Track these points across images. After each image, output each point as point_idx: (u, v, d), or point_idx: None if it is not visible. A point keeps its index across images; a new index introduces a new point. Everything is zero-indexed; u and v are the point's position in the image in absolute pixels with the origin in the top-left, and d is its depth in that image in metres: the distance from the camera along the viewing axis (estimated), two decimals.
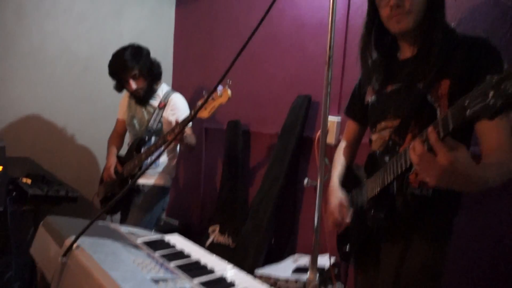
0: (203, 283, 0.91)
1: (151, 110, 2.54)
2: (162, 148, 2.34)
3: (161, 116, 2.51)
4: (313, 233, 1.30)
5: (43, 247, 1.13)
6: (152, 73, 2.48)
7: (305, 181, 2.33)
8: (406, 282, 1.28)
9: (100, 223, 1.32)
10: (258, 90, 2.79)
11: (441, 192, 1.24)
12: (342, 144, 1.67)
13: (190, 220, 3.38)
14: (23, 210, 2.44)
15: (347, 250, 1.49)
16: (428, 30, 1.21)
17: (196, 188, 3.33)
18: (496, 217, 1.67)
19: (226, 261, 1.11)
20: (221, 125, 3.03)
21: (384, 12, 1.25)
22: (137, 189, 2.53)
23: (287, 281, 1.95)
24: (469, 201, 1.61)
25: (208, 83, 3.20)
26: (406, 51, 1.33)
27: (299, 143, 2.44)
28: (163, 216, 3.39)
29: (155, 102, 2.55)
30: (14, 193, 2.39)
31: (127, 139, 2.72)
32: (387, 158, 1.28)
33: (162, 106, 2.52)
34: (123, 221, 2.63)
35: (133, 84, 2.42)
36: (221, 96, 2.00)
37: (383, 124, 1.37)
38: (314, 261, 1.28)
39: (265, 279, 1.99)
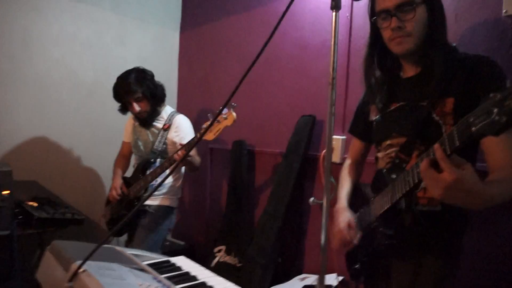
0: None
1: (156, 131, 2.56)
2: (168, 171, 2.34)
3: (166, 138, 2.53)
4: (320, 252, 1.29)
5: (49, 272, 1.12)
6: (156, 96, 2.51)
7: (311, 200, 2.34)
8: None
9: (106, 246, 1.31)
10: (262, 110, 2.81)
11: (450, 208, 1.23)
12: (348, 162, 1.67)
13: (195, 241, 3.36)
14: (29, 233, 2.43)
15: (357, 268, 1.48)
16: (430, 50, 1.23)
17: (202, 209, 3.33)
18: (505, 233, 1.65)
19: (233, 283, 1.09)
20: (226, 145, 3.04)
21: (386, 34, 1.27)
22: (143, 210, 2.53)
23: None
24: (478, 218, 1.59)
25: (212, 105, 3.24)
26: (409, 70, 1.34)
27: (304, 162, 2.44)
28: (169, 237, 3.38)
29: (159, 124, 2.57)
30: (21, 217, 2.39)
31: (133, 161, 2.74)
32: (394, 176, 1.28)
33: (167, 127, 2.54)
34: (129, 242, 2.62)
35: (136, 107, 2.45)
36: (226, 118, 2.02)
37: (388, 142, 1.38)
38: (321, 280, 1.26)
39: None
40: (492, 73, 1.16)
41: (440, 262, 1.27)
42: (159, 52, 3.52)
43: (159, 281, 1.03)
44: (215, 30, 3.24)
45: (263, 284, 2.35)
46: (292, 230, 2.53)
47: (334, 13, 1.13)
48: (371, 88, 1.40)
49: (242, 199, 2.82)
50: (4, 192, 2.16)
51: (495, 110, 0.75)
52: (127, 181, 2.59)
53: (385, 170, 1.34)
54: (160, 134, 2.54)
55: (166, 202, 2.57)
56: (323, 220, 1.28)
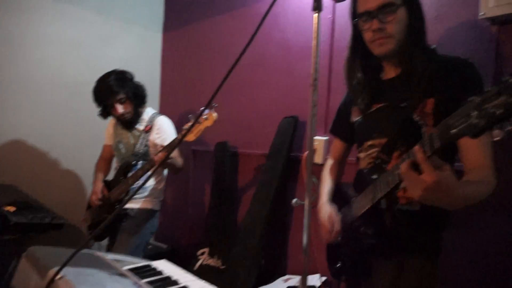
0: None
1: (137, 134, 2.53)
2: (149, 174, 2.31)
3: (147, 140, 2.50)
4: (303, 253, 1.29)
5: (26, 279, 1.09)
6: (138, 96, 2.48)
7: (294, 201, 2.33)
8: None
9: (85, 251, 1.28)
10: (245, 111, 2.80)
11: (429, 207, 1.25)
12: (329, 162, 1.69)
13: (178, 244, 3.33)
14: (7, 239, 2.37)
15: (338, 267, 1.49)
16: (410, 52, 1.25)
17: (184, 211, 3.29)
18: (484, 231, 1.68)
19: (215, 286, 1.08)
20: (209, 146, 3.02)
21: (367, 35, 1.28)
22: (125, 214, 2.49)
23: None
24: (458, 216, 1.62)
25: (195, 106, 3.21)
26: (390, 72, 1.36)
27: (287, 163, 2.44)
28: (152, 240, 3.34)
29: (140, 126, 2.54)
30: None
31: (115, 164, 2.69)
32: (375, 176, 1.29)
33: (148, 129, 2.51)
34: (111, 246, 2.58)
35: (120, 108, 2.41)
36: (207, 119, 2.01)
37: (370, 143, 1.39)
38: (304, 281, 1.26)
39: None
40: (471, 75, 1.19)
41: (420, 260, 1.29)
42: (142, 53, 3.48)
43: (139, 286, 1.01)
44: (198, 31, 3.22)
45: (246, 286, 2.34)
46: (275, 232, 2.53)
47: (316, 15, 1.13)
48: (353, 89, 1.41)
49: (225, 201, 2.80)
50: None
51: (474, 113, 0.77)
52: (108, 184, 2.55)
53: (366, 170, 1.36)
54: (141, 136, 2.50)
55: (148, 205, 2.54)
56: (305, 221, 1.29)
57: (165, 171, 2.66)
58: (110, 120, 2.66)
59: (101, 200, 2.46)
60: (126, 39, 3.35)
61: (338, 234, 1.41)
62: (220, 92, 0.99)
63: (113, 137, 2.64)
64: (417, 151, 0.94)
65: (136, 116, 2.51)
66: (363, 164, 1.42)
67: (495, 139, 0.73)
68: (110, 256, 1.27)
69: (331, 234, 1.42)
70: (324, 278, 2.08)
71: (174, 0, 3.51)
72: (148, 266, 1.23)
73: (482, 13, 1.60)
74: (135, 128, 2.54)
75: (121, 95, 2.39)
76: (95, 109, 2.51)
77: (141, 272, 1.14)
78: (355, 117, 1.47)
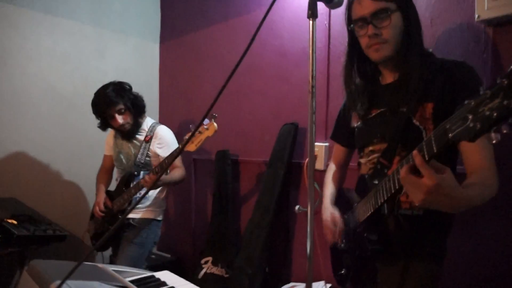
0: None
1: (138, 144, 2.53)
2: (149, 186, 2.30)
3: (148, 149, 2.50)
4: (307, 260, 1.29)
5: None
6: (137, 106, 2.49)
7: (296, 208, 2.34)
8: None
9: (87, 263, 1.28)
10: (245, 119, 2.81)
11: (432, 211, 1.25)
12: (331, 167, 1.69)
13: (182, 253, 3.32)
14: (9, 252, 2.37)
15: (342, 274, 1.48)
16: (407, 56, 1.25)
17: (187, 220, 3.29)
18: (487, 235, 1.68)
19: None
20: (210, 155, 3.02)
21: (363, 41, 1.29)
22: (127, 224, 2.49)
23: None
24: (461, 220, 1.61)
25: (194, 116, 3.22)
26: (388, 77, 1.37)
27: (288, 170, 2.44)
28: (155, 250, 3.33)
29: (141, 136, 2.54)
30: (0, 235, 2.32)
31: (116, 175, 2.70)
32: (376, 181, 1.29)
33: (149, 139, 2.52)
34: (114, 256, 2.57)
35: (120, 119, 2.41)
36: (207, 129, 2.01)
37: (370, 148, 1.39)
38: None
39: None
40: (469, 78, 1.19)
41: (425, 265, 1.29)
42: (139, 64, 3.49)
43: None
44: (195, 40, 3.24)
45: None
46: (279, 239, 2.52)
47: (311, 22, 1.14)
48: (351, 95, 1.42)
49: (227, 209, 2.80)
50: None
51: (470, 116, 0.77)
52: (111, 195, 2.55)
53: (367, 175, 1.35)
54: (142, 146, 2.51)
55: (151, 215, 2.54)
56: (309, 228, 1.28)
57: None
58: (110, 131, 2.66)
59: (104, 212, 2.46)
60: (122, 50, 3.36)
61: (342, 234, 1.41)
62: (219, 100, 0.99)
63: (113, 148, 2.64)
64: (415, 156, 0.94)
65: (135, 126, 2.51)
66: (364, 170, 1.42)
67: (493, 142, 0.73)
68: (112, 268, 1.27)
69: (335, 234, 1.42)
70: (329, 285, 2.07)
71: (170, 11, 3.53)
72: (152, 277, 1.23)
73: (478, 15, 1.61)
74: (136, 138, 2.54)
75: (120, 106, 2.40)
76: (93, 121, 2.52)
77: (144, 283, 1.14)
78: (355, 123, 1.47)
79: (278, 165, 2.45)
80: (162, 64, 3.62)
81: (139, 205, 2.50)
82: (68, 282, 0.93)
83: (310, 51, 1.11)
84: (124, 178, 2.52)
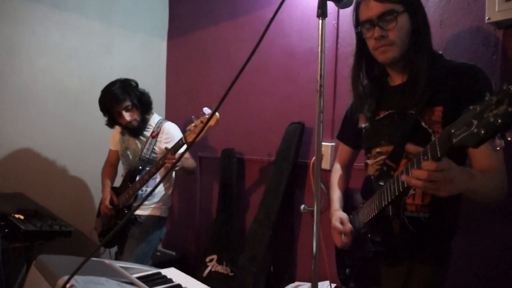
0: None
1: (144, 139, 2.55)
2: (158, 179, 2.31)
3: (155, 145, 2.51)
4: (312, 260, 1.29)
5: (36, 287, 1.10)
6: (143, 103, 2.50)
7: (302, 207, 2.33)
8: None
9: (94, 259, 1.29)
10: (251, 118, 2.81)
11: (438, 214, 1.25)
12: (336, 168, 1.69)
13: (187, 251, 3.33)
14: (16, 247, 2.39)
15: (346, 273, 1.49)
16: (415, 58, 1.24)
17: (192, 218, 3.30)
18: (493, 237, 1.67)
19: None
20: (216, 153, 3.03)
21: (370, 43, 1.29)
22: (133, 221, 2.50)
23: None
24: (467, 223, 1.61)
25: (201, 112, 3.22)
26: (396, 79, 1.36)
27: (293, 169, 2.44)
28: (160, 247, 3.35)
29: (147, 132, 2.55)
30: (7, 230, 2.34)
31: (122, 171, 2.71)
32: (381, 183, 1.29)
33: (155, 135, 2.53)
34: (120, 253, 2.58)
35: (127, 116, 2.42)
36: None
37: (377, 149, 1.39)
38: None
39: None
40: (480, 81, 1.18)
41: (430, 268, 1.28)
42: (146, 61, 3.50)
43: None
44: (203, 38, 3.24)
45: None
46: (283, 238, 2.52)
47: (320, 21, 1.14)
48: (359, 96, 1.42)
49: (232, 208, 2.81)
50: None
51: (475, 122, 0.76)
52: (116, 191, 2.57)
53: (373, 177, 1.35)
54: (148, 142, 2.52)
55: (157, 212, 2.54)
56: (315, 228, 1.28)
57: (173, 177, 2.68)
58: (117, 127, 2.68)
59: (110, 210, 2.48)
60: (130, 46, 3.37)
61: (351, 237, 1.41)
62: (226, 98, 1.00)
63: (119, 144, 2.66)
64: (424, 164, 0.95)
65: (143, 123, 2.52)
66: (371, 171, 1.42)
67: (497, 148, 0.72)
68: (119, 264, 1.28)
69: (344, 237, 1.42)
70: (334, 285, 2.07)
71: (178, 8, 3.54)
72: (158, 274, 1.24)
73: (488, 17, 1.60)
74: (143, 134, 2.55)
75: (127, 103, 2.41)
76: (99, 116, 2.54)
77: (150, 280, 1.15)
78: (363, 124, 1.47)
79: (284, 164, 2.45)
80: (169, 61, 3.63)
81: (147, 201, 2.51)
82: (76, 277, 0.94)
83: (319, 50, 1.11)
84: (129, 173, 2.53)
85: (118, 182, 2.68)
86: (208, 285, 1.16)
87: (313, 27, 2.42)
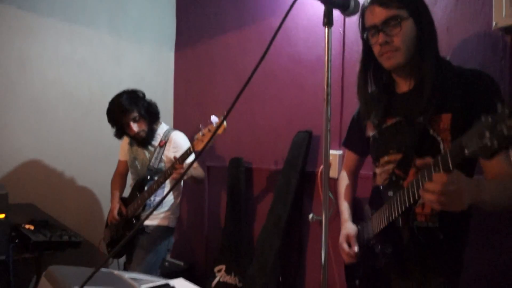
0: None
1: (152, 149, 2.56)
2: (167, 188, 2.32)
3: (162, 154, 2.52)
4: (321, 269, 1.27)
5: None
6: (151, 113, 2.52)
7: (310, 216, 2.32)
8: None
9: (104, 270, 1.29)
10: (259, 127, 2.81)
11: (448, 224, 1.22)
12: (343, 176, 1.68)
13: (195, 261, 3.32)
14: (26, 257, 2.40)
15: (356, 285, 1.46)
16: (421, 64, 1.23)
17: (200, 228, 3.29)
18: (507, 248, 1.64)
19: None
20: (224, 162, 3.03)
21: (376, 49, 1.29)
22: (142, 231, 2.50)
23: None
24: (478, 233, 1.58)
25: (208, 121, 3.23)
26: (403, 85, 1.35)
27: (302, 178, 2.43)
28: (168, 257, 3.34)
29: (155, 142, 2.57)
30: (17, 240, 2.36)
31: (130, 181, 2.72)
32: (391, 193, 1.27)
33: (163, 144, 2.54)
34: (128, 263, 2.59)
35: (135, 127, 2.44)
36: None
37: (386, 158, 1.37)
38: None
39: None
40: (489, 89, 1.16)
41: (441, 279, 1.25)
42: (154, 71, 3.54)
43: None
44: (210, 48, 3.27)
45: None
46: (292, 248, 2.50)
47: (326, 30, 1.14)
48: (365, 103, 1.41)
49: (240, 217, 2.80)
50: (0, 216, 2.13)
51: (487, 134, 0.76)
52: (125, 201, 2.58)
53: (382, 186, 1.33)
54: (156, 151, 2.53)
55: (165, 222, 2.55)
56: (323, 237, 1.27)
57: (182, 186, 2.68)
58: (125, 137, 2.70)
59: (117, 221, 2.48)
60: (138, 57, 3.41)
61: (356, 256, 1.39)
62: (234, 108, 1.00)
63: (128, 154, 2.67)
64: (435, 176, 0.95)
65: (151, 133, 2.54)
66: (379, 180, 1.40)
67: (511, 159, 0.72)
68: (128, 275, 1.28)
69: (348, 255, 1.41)
70: None
71: (185, 19, 3.57)
72: (167, 285, 1.23)
73: (495, 23, 1.59)
74: (151, 144, 2.57)
75: (135, 113, 2.43)
76: (109, 127, 2.56)
77: None
78: (370, 132, 1.45)
79: (292, 173, 2.44)
80: (177, 71, 3.66)
81: (155, 211, 2.52)
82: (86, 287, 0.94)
83: (326, 58, 1.11)
84: (138, 183, 2.54)
85: (127, 192, 2.69)
86: None
87: (320, 35, 2.42)
